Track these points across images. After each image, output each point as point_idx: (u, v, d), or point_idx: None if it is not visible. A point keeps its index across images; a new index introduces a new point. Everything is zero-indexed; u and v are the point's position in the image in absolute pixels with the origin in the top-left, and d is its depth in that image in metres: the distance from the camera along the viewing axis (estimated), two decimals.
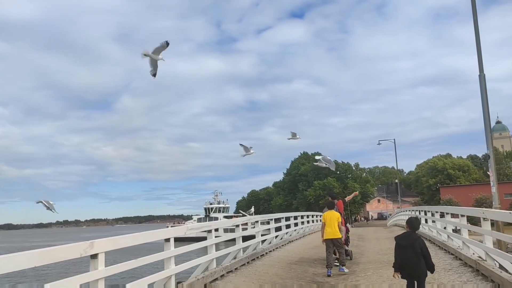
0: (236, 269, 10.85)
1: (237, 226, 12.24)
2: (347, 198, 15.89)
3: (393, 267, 6.58)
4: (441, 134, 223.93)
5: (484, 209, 8.89)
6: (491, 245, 8.92)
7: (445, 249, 12.94)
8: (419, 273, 6.32)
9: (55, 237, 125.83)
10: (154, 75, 14.53)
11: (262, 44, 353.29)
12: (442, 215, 15.33)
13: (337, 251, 10.55)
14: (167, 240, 7.90)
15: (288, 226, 19.90)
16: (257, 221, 14.57)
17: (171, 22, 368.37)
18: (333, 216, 10.59)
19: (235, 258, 11.74)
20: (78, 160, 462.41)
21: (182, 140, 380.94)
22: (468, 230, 11.63)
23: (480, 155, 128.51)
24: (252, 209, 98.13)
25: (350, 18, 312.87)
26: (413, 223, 6.82)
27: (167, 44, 13.40)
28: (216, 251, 10.25)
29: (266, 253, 14.17)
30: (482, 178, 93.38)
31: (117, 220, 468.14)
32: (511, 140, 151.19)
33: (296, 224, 21.91)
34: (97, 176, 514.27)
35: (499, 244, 11.09)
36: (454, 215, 13.70)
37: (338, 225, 10.47)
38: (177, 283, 7.94)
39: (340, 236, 10.54)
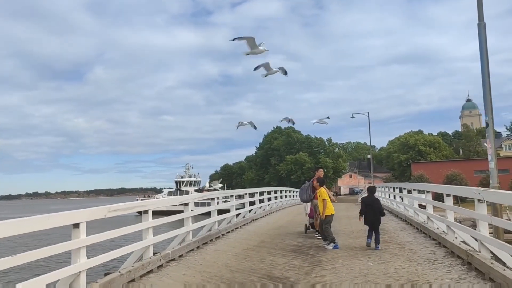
0: (180, 256, 9.03)
1: (186, 204, 10.34)
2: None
3: (359, 213, 10.30)
4: (412, 112, 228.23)
5: (480, 188, 7.27)
6: (487, 233, 7.32)
7: (424, 233, 11.40)
8: (377, 222, 9.94)
9: (19, 210, 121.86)
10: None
11: (237, 17, 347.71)
12: (421, 194, 13.93)
13: (325, 227, 10.50)
14: (76, 226, 5.97)
15: (252, 203, 18.21)
16: (213, 198, 12.71)
17: None
18: (328, 193, 10.88)
19: (182, 241, 9.97)
20: (49, 131, 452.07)
21: (156, 113, 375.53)
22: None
23: (450, 132, 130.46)
24: (218, 184, 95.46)
25: None
26: (372, 190, 10.70)
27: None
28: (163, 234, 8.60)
29: (223, 234, 12.38)
30: (452, 154, 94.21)
31: (89, 193, 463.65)
32: (480, 118, 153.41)
33: (262, 201, 20.26)
34: (68, 148, 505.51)
35: (496, 232, 9.63)
36: (436, 195, 12.29)
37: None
38: (88, 282, 6.03)
39: (334, 212, 10.81)
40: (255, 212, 18.34)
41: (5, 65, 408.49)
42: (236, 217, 15.14)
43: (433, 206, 11.92)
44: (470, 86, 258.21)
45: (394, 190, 20.62)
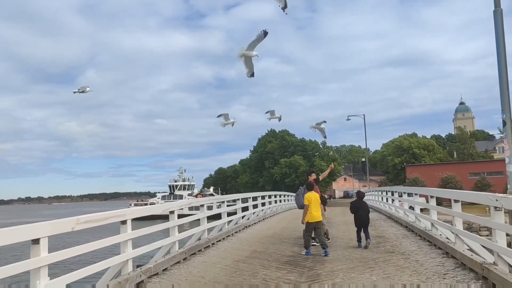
0: (164, 270, 8.18)
1: (172, 212, 9.50)
2: (322, 176, 14.03)
3: (351, 210, 11.58)
4: (405, 114, 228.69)
5: (498, 195, 6.49)
6: (505, 244, 6.55)
7: (429, 241, 10.62)
8: (367, 222, 11.18)
9: (10, 215, 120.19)
10: (252, 75, 13.83)
11: (231, 20, 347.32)
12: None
13: (317, 234, 10.21)
14: (35, 241, 5.13)
15: (245, 209, 17.40)
16: (202, 205, 11.85)
17: None
18: (316, 198, 10.41)
19: (168, 253, 9.15)
20: (41, 135, 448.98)
21: (149, 116, 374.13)
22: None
23: (443, 135, 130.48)
24: (211, 189, 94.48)
25: None
26: (361, 195, 11.92)
27: (265, 34, 12.82)
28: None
29: (213, 244, 11.53)
30: (446, 157, 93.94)
31: (82, 197, 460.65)
32: (473, 121, 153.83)
33: (255, 206, 19.45)
34: (61, 152, 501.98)
35: None
36: (441, 200, 11.53)
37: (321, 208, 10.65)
38: None
39: (321, 219, 10.44)
40: (248, 218, 17.54)
41: None
42: (228, 224, 14.32)
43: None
44: (462, 89, 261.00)
45: (393, 194, 19.85)
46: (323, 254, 9.64)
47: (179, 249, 9.57)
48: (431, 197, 11.43)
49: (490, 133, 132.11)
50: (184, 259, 9.36)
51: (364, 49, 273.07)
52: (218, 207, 18.44)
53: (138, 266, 7.81)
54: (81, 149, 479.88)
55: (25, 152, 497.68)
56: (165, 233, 9.59)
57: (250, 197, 18.71)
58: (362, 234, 10.94)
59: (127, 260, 7.36)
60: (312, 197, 10.30)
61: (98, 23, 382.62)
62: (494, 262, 6.68)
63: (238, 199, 16.62)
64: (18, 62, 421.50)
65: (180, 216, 9.76)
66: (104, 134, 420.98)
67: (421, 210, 13.92)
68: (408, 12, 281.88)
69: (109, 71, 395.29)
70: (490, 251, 7.27)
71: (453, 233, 9.23)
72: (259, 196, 20.71)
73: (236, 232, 14.47)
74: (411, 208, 15.16)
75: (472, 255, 7.53)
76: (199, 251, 10.35)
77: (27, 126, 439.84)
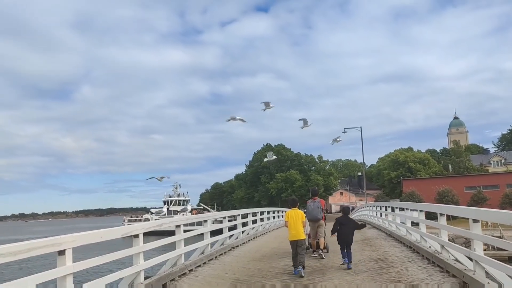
0: None
1: (136, 236, 7.95)
2: None
3: (331, 231, 11.09)
4: (399, 130, 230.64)
5: None
6: None
7: (439, 266, 9.17)
8: (350, 241, 10.61)
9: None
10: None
11: (227, 36, 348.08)
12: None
13: (298, 252, 9.80)
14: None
15: (232, 228, 15.93)
16: (179, 226, 10.30)
17: (132, 11, 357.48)
18: (297, 215, 10.14)
19: (131, 285, 7.66)
20: (35, 151, 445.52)
21: (145, 132, 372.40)
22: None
23: (438, 149, 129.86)
24: (188, 207, 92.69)
25: (314, 14, 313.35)
26: (346, 211, 11.58)
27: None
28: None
29: (190, 270, 9.86)
30: (441, 171, 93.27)
31: (77, 213, 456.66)
32: (467, 135, 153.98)
33: (245, 224, 17.97)
34: (55, 167, 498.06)
35: None
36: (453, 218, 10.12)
37: (303, 224, 10.23)
38: None
39: (304, 238, 10.23)
40: (236, 238, 16.05)
41: None
42: (212, 246, 12.83)
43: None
44: (453, 105, 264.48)
45: (393, 210, 18.39)
46: (295, 273, 9.52)
47: (145, 279, 8.06)
48: (441, 215, 10.00)
49: (485, 147, 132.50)
50: None
51: (357, 66, 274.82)
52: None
53: None
54: (76, 165, 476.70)
55: (18, 168, 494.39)
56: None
57: (239, 215, 17.22)
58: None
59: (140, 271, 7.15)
60: (291, 214, 10.12)
61: (92, 39, 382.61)
62: None
63: (225, 217, 15.15)
64: (11, 77, 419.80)
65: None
66: (99, 149, 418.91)
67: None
68: (401, 29, 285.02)
69: (104, 87, 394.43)
70: None
71: (471, 259, 7.79)
72: (249, 213, 19.24)
73: (221, 254, 12.94)
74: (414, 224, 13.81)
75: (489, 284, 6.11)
76: (171, 280, 8.72)
77: (20, 142, 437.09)
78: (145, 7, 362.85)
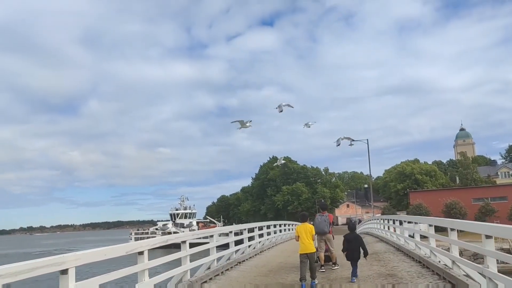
0: None
1: (140, 253, 7.86)
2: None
3: (342, 251, 11.16)
4: (405, 142, 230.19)
5: None
6: None
7: (450, 282, 9.08)
8: (357, 257, 10.85)
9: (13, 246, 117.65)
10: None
11: (232, 50, 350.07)
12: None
13: (310, 266, 10.46)
14: None
15: (239, 242, 15.86)
16: (184, 241, 10.23)
17: (139, 26, 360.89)
18: (307, 230, 10.78)
19: None
20: (43, 165, 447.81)
21: (152, 145, 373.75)
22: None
23: (444, 161, 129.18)
24: (194, 222, 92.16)
25: (319, 27, 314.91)
26: (351, 226, 11.83)
27: None
28: None
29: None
30: (448, 183, 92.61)
31: (85, 226, 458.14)
32: (474, 147, 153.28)
33: (251, 238, 17.86)
34: (63, 181, 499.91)
35: None
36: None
37: (312, 238, 10.85)
38: None
39: (314, 251, 10.85)
40: (243, 252, 16.04)
41: None
42: (218, 261, 12.76)
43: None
44: (459, 117, 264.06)
45: (401, 224, 18.20)
46: (311, 284, 10.14)
47: None
48: (452, 229, 9.82)
49: (492, 159, 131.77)
50: None
51: (363, 78, 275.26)
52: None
53: None
54: (84, 178, 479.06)
55: (27, 181, 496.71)
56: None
57: (245, 229, 17.14)
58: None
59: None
60: (303, 229, 10.75)
61: (100, 54, 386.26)
62: None
63: (231, 232, 15.08)
64: (20, 93, 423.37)
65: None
66: (107, 163, 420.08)
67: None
68: (405, 42, 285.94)
69: (111, 101, 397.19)
70: None
71: (485, 276, 7.63)
72: (256, 227, 19.14)
73: (227, 269, 13.03)
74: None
75: None
76: None
77: (29, 155, 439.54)
78: (152, 22, 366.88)
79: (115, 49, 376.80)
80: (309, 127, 25.50)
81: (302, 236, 10.60)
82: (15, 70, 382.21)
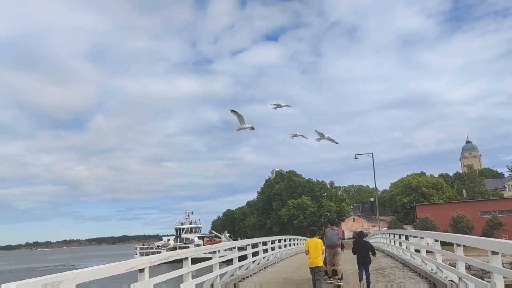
0: None
1: (141, 271, 7.78)
2: None
3: (352, 250, 12.79)
4: (410, 154, 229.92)
5: None
6: None
7: None
8: (368, 261, 12.37)
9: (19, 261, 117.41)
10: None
11: (237, 65, 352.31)
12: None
13: (316, 278, 11.03)
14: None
15: (243, 257, 15.75)
16: (186, 258, 10.11)
17: (145, 42, 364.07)
18: (316, 244, 11.37)
19: None
20: (49, 180, 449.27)
21: (157, 160, 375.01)
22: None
23: (451, 173, 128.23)
24: (195, 238, 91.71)
25: (322, 42, 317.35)
26: (361, 235, 13.45)
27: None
28: None
29: None
30: (455, 196, 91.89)
31: (90, 241, 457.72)
32: (480, 159, 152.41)
33: (255, 254, 17.73)
34: (69, 196, 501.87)
35: None
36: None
37: (322, 252, 11.45)
38: None
39: (322, 265, 11.42)
40: (246, 268, 15.90)
41: (4, 115, 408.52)
42: (221, 278, 12.65)
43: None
44: (465, 129, 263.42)
45: (407, 238, 17.98)
46: None
47: None
48: (457, 245, 9.66)
49: (499, 171, 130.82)
50: None
51: (367, 91, 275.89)
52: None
53: None
54: (89, 193, 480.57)
55: (33, 196, 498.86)
56: None
57: (249, 244, 17.03)
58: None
59: None
60: (313, 243, 11.40)
61: (106, 70, 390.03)
62: None
63: (234, 247, 15.00)
64: (27, 108, 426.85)
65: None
66: (112, 177, 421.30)
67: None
68: (409, 55, 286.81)
69: (117, 116, 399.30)
70: None
71: None
72: (260, 242, 19.02)
73: (231, 286, 12.77)
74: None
75: None
76: None
77: (35, 171, 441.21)
78: (158, 38, 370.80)
79: (121, 64, 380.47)
80: (292, 138, 24.74)
81: (311, 250, 11.25)
82: (23, 86, 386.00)
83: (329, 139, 23.76)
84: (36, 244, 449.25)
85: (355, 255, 12.60)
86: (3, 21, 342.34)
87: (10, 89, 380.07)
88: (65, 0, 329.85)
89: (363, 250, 12.36)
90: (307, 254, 11.44)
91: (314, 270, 11.15)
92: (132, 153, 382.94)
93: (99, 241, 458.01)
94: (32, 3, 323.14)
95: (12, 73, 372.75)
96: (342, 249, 14.17)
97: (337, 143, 24.46)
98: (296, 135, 24.31)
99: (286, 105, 22.37)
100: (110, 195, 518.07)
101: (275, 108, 22.19)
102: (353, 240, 13.59)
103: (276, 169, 24.01)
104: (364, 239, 13.49)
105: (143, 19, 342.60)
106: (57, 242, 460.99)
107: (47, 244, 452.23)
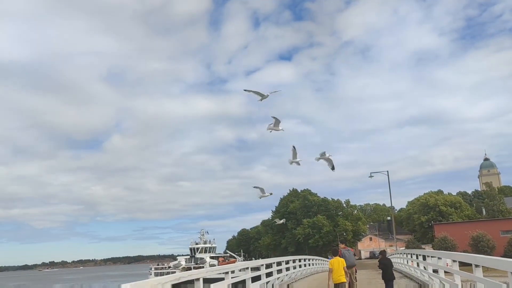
0: None
1: None
2: None
3: (378, 267, 15.29)
4: (427, 172, 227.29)
5: None
6: None
7: None
8: (393, 277, 14.58)
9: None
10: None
11: (251, 85, 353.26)
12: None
13: None
14: None
15: (256, 279, 15.54)
16: (198, 279, 9.99)
17: (161, 64, 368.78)
18: (339, 263, 12.51)
19: None
20: (66, 199, 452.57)
21: (173, 179, 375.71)
22: None
23: (469, 191, 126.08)
24: (207, 258, 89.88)
25: (336, 61, 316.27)
26: (383, 253, 15.66)
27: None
28: None
29: None
30: (474, 215, 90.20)
31: (106, 261, 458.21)
32: (499, 177, 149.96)
33: (269, 274, 17.49)
34: (86, 216, 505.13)
35: None
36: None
37: (344, 270, 12.50)
38: None
39: (345, 281, 12.47)
40: None
41: (25, 136, 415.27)
42: None
43: None
44: (483, 146, 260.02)
45: (424, 259, 17.54)
46: None
47: None
48: (476, 266, 9.35)
49: None
50: None
51: (382, 109, 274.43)
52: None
53: None
54: (106, 213, 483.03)
55: (50, 216, 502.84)
56: None
57: (263, 265, 16.83)
58: None
59: None
60: (336, 262, 12.52)
61: (123, 91, 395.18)
62: None
63: (247, 268, 14.82)
64: (46, 130, 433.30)
65: None
66: (128, 197, 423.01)
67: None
68: (423, 73, 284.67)
69: (133, 136, 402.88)
70: None
71: None
72: (274, 263, 18.78)
73: None
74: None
75: None
76: None
77: (53, 191, 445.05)
78: (173, 60, 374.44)
79: (138, 85, 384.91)
80: (291, 163, 23.82)
81: (335, 268, 12.37)
82: (43, 108, 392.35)
83: (327, 159, 23.34)
84: (52, 264, 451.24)
85: (381, 272, 14.62)
86: (27, 46, 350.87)
87: (32, 111, 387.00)
88: (85, 25, 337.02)
89: (390, 267, 14.45)
90: (330, 272, 12.45)
91: (338, 286, 12.25)
92: (148, 172, 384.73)
93: (115, 261, 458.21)
94: (54, 29, 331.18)
95: (34, 96, 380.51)
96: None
97: (332, 168, 23.64)
98: (271, 93, 22.97)
99: (274, 91, 22.09)
100: (126, 215, 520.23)
101: (271, 131, 22.34)
102: (379, 258, 15.26)
103: (265, 194, 23.54)
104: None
105: (159, 42, 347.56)
106: (73, 262, 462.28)
107: (63, 263, 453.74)
